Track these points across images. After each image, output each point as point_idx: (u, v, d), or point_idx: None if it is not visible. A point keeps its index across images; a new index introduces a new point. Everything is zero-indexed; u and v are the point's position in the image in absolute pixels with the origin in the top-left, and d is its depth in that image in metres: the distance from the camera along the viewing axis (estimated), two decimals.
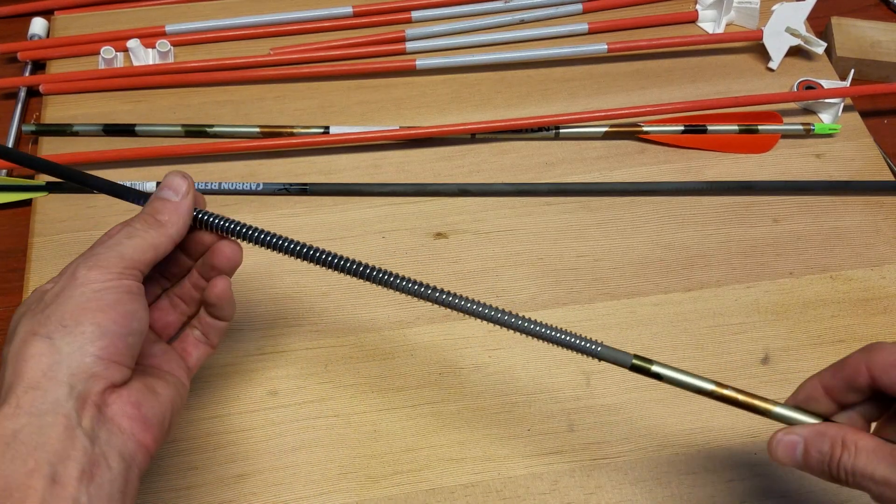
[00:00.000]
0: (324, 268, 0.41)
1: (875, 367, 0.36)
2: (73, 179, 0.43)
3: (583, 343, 0.40)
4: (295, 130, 0.62)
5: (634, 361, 0.40)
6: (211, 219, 0.41)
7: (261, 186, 0.60)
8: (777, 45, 0.68)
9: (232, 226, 0.41)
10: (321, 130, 0.62)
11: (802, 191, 0.61)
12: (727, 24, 0.71)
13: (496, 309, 0.40)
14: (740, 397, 0.39)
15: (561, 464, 0.49)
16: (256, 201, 0.60)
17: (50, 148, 0.62)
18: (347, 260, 0.41)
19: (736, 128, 0.64)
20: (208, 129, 0.62)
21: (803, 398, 0.39)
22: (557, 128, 0.63)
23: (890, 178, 0.62)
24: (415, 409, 0.51)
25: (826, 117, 0.66)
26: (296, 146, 0.62)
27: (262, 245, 0.41)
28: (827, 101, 0.65)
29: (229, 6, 0.71)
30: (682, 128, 0.63)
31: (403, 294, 0.41)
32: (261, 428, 0.50)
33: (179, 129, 0.62)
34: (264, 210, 0.59)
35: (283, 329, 0.54)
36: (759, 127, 0.64)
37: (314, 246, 0.41)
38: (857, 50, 0.69)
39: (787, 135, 0.64)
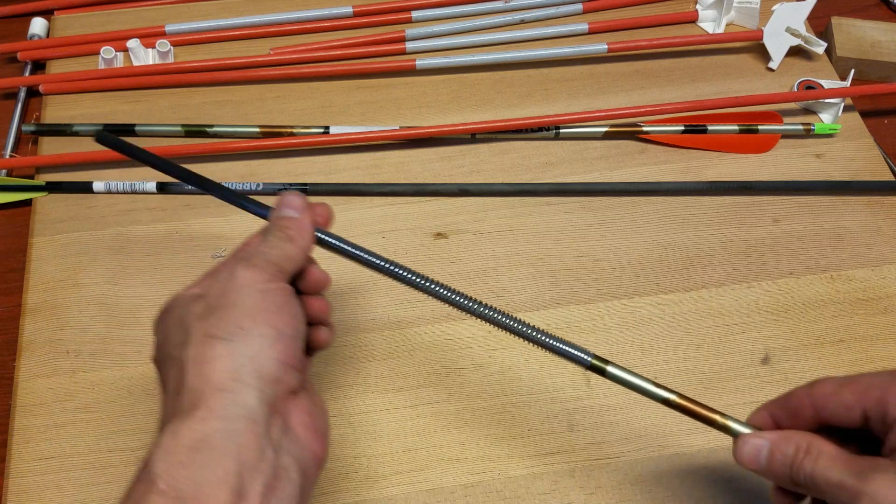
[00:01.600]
0: (435, 298, 0.41)
1: (817, 399, 0.37)
2: (197, 185, 0.42)
3: (539, 336, 0.40)
4: (295, 130, 0.62)
5: (593, 362, 0.40)
6: (329, 238, 0.41)
7: (261, 186, 0.60)
8: (777, 45, 0.68)
9: (347, 247, 0.41)
10: (321, 130, 0.62)
11: (802, 191, 0.61)
12: (727, 24, 0.71)
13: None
14: (696, 409, 0.40)
15: (561, 464, 0.49)
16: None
17: (50, 148, 0.62)
18: (470, 299, 0.41)
19: (736, 128, 0.64)
20: (208, 129, 0.62)
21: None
22: (557, 128, 0.63)
23: (890, 178, 0.62)
24: (415, 409, 0.51)
25: (826, 117, 0.66)
26: (296, 146, 0.62)
27: (373, 269, 0.42)
28: (827, 101, 0.65)
29: (229, 6, 0.71)
30: (682, 128, 0.63)
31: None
32: None
33: (179, 129, 0.62)
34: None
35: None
36: (759, 127, 0.64)
37: (430, 278, 0.41)
38: (858, 50, 0.69)
39: (787, 135, 0.64)
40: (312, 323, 0.41)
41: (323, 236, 0.41)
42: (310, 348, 0.42)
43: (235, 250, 0.40)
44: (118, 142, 0.42)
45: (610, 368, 0.40)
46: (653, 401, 0.40)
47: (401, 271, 0.41)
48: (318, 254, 0.41)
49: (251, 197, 0.42)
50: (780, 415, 0.39)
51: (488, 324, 0.41)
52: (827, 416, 0.37)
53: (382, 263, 0.41)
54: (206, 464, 0.31)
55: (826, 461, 0.35)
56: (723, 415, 0.39)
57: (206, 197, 0.60)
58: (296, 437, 0.35)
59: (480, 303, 0.41)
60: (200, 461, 0.31)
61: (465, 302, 0.41)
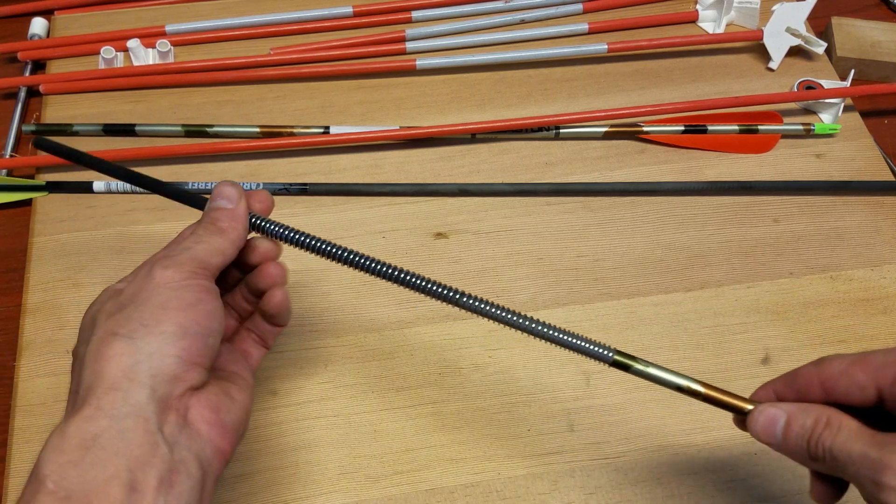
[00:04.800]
0: (382, 279, 0.41)
1: (826, 378, 0.37)
2: (119, 176, 0.43)
3: (562, 336, 0.40)
4: (295, 130, 0.62)
5: (616, 358, 0.40)
6: (266, 224, 0.41)
7: (261, 186, 0.60)
8: (777, 45, 0.68)
9: (286, 232, 0.41)
10: (321, 130, 0.62)
11: (802, 191, 0.61)
12: (727, 24, 0.71)
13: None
14: (714, 394, 0.39)
15: (561, 464, 0.49)
16: None
17: None
18: (411, 274, 0.41)
19: (736, 128, 0.64)
20: (208, 129, 0.62)
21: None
22: (557, 128, 0.63)
23: (890, 178, 0.62)
24: (415, 409, 0.51)
25: (826, 117, 0.66)
26: (296, 146, 0.62)
27: (314, 252, 0.41)
28: (827, 101, 0.65)
29: (229, 6, 0.71)
30: (682, 128, 0.63)
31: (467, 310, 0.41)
32: (261, 428, 0.50)
33: (179, 129, 0.62)
34: None
35: (283, 329, 0.54)
36: (759, 127, 0.64)
37: (371, 257, 0.41)
38: (858, 50, 0.69)
39: (787, 135, 0.64)
40: (265, 291, 0.42)
41: (260, 222, 0.41)
42: (269, 320, 0.43)
43: (167, 244, 0.40)
44: (57, 146, 0.42)
45: (636, 365, 0.40)
46: (676, 391, 0.40)
47: (351, 255, 0.41)
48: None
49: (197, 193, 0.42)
50: (785, 393, 0.38)
51: (495, 322, 0.41)
52: (838, 395, 0.36)
53: (326, 247, 0.41)
54: (96, 462, 0.32)
55: (847, 434, 0.34)
56: (749, 401, 0.39)
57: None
58: (195, 432, 0.35)
59: (459, 294, 0.41)
60: (90, 460, 0.32)
61: (435, 289, 0.41)
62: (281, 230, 0.41)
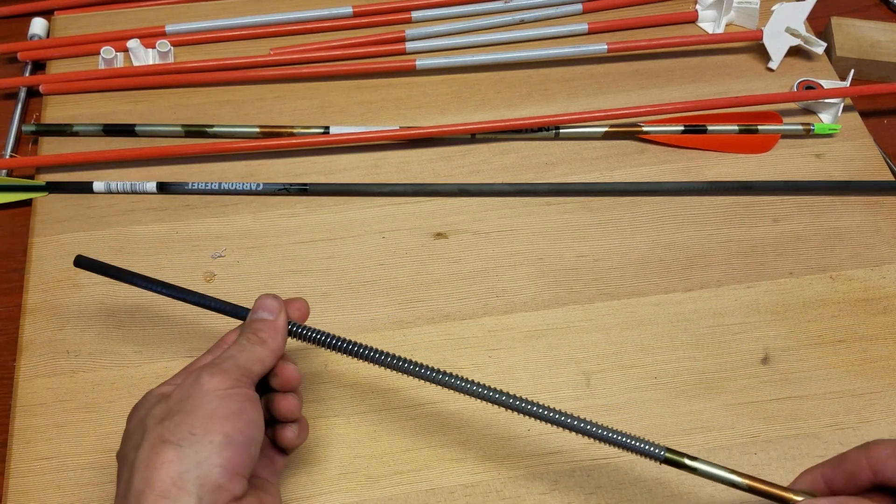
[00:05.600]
0: (427, 382, 0.43)
1: (877, 461, 0.37)
2: (162, 292, 0.45)
3: (613, 435, 0.41)
4: (295, 130, 0.62)
5: (667, 455, 0.41)
6: (303, 331, 0.44)
7: (261, 186, 0.60)
8: (777, 45, 0.68)
9: (322, 337, 0.44)
10: (321, 130, 0.62)
11: (802, 191, 0.61)
12: (727, 24, 0.71)
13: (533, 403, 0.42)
14: (759, 485, 0.40)
15: (561, 464, 0.49)
16: (256, 201, 0.60)
17: (50, 148, 0.62)
18: (461, 379, 0.43)
19: (736, 128, 0.64)
20: (208, 129, 0.62)
21: (803, 488, 0.40)
22: (557, 128, 0.63)
23: (890, 178, 0.62)
24: (415, 409, 0.51)
25: (826, 117, 0.66)
26: (296, 146, 0.62)
27: (351, 355, 0.43)
28: (827, 101, 0.65)
29: (229, 6, 0.71)
30: (682, 128, 0.63)
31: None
32: None
33: (179, 129, 0.62)
34: (264, 210, 0.59)
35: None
36: (759, 127, 0.64)
37: (413, 360, 0.43)
38: (857, 50, 0.69)
39: (786, 135, 0.64)
40: (281, 421, 0.43)
41: (299, 330, 0.44)
42: (280, 448, 0.44)
43: (210, 349, 0.42)
44: (99, 264, 0.45)
45: (689, 462, 0.40)
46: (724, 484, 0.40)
47: (393, 360, 0.43)
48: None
49: (230, 303, 0.45)
50: (833, 478, 0.39)
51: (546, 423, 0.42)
52: (887, 476, 0.37)
53: (365, 351, 0.43)
54: None
55: None
56: (794, 491, 0.39)
57: (206, 197, 0.60)
58: None
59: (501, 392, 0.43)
60: None
61: (476, 389, 0.43)
62: (317, 336, 0.44)
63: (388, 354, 0.43)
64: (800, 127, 0.64)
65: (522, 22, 0.71)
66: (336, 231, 0.59)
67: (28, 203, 0.60)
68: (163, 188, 0.60)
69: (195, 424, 0.36)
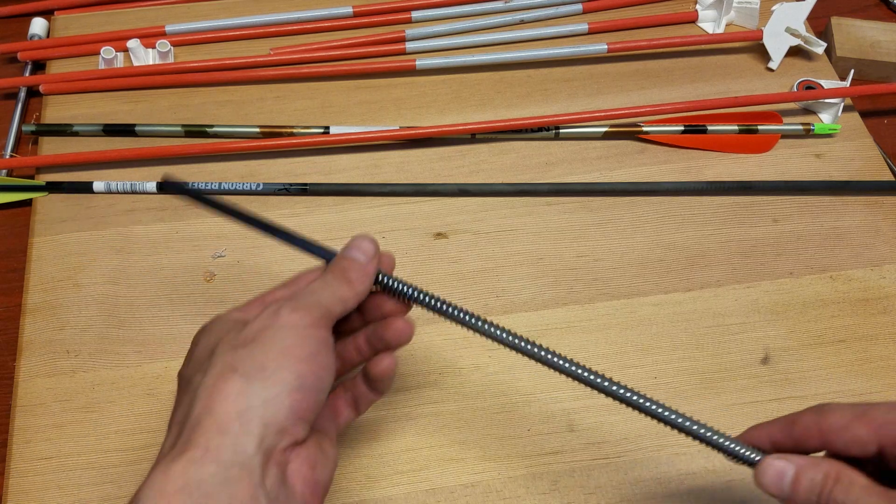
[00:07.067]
0: (505, 347, 0.42)
1: (826, 430, 0.36)
2: (260, 228, 0.42)
3: (711, 434, 0.39)
4: (295, 130, 0.62)
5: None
6: (392, 283, 0.41)
7: (261, 186, 0.60)
8: (777, 45, 0.68)
9: (411, 291, 0.41)
10: (321, 130, 0.62)
11: (802, 191, 0.61)
12: (727, 24, 0.71)
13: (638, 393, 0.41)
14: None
15: (561, 464, 0.49)
16: (256, 201, 0.60)
17: (50, 148, 0.62)
18: (529, 342, 0.41)
19: (736, 128, 0.64)
20: (208, 129, 0.62)
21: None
22: (557, 128, 0.63)
23: (890, 178, 0.62)
24: (415, 409, 0.51)
25: (826, 117, 0.66)
26: (296, 146, 0.62)
27: (439, 314, 0.41)
28: (827, 101, 0.65)
29: (229, 6, 0.71)
30: (682, 128, 0.63)
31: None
32: None
33: (179, 129, 0.62)
34: (264, 210, 0.59)
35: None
36: (759, 127, 0.64)
37: (495, 323, 0.41)
38: (857, 50, 0.69)
39: (786, 135, 0.64)
40: (351, 368, 0.41)
41: (387, 280, 0.41)
42: (370, 384, 0.41)
43: (286, 283, 0.40)
44: (185, 188, 0.42)
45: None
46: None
47: (474, 319, 0.41)
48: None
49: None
50: (782, 440, 0.38)
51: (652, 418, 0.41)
52: (837, 448, 0.36)
53: (451, 309, 0.41)
54: None
55: (859, 491, 0.34)
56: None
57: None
58: (291, 488, 0.34)
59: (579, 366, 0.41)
60: None
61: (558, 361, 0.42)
62: (406, 289, 0.41)
63: (478, 318, 0.41)
64: (800, 127, 0.64)
65: (522, 22, 0.71)
66: (336, 231, 0.59)
67: (28, 203, 0.60)
68: (163, 188, 0.60)
69: (268, 358, 0.34)
